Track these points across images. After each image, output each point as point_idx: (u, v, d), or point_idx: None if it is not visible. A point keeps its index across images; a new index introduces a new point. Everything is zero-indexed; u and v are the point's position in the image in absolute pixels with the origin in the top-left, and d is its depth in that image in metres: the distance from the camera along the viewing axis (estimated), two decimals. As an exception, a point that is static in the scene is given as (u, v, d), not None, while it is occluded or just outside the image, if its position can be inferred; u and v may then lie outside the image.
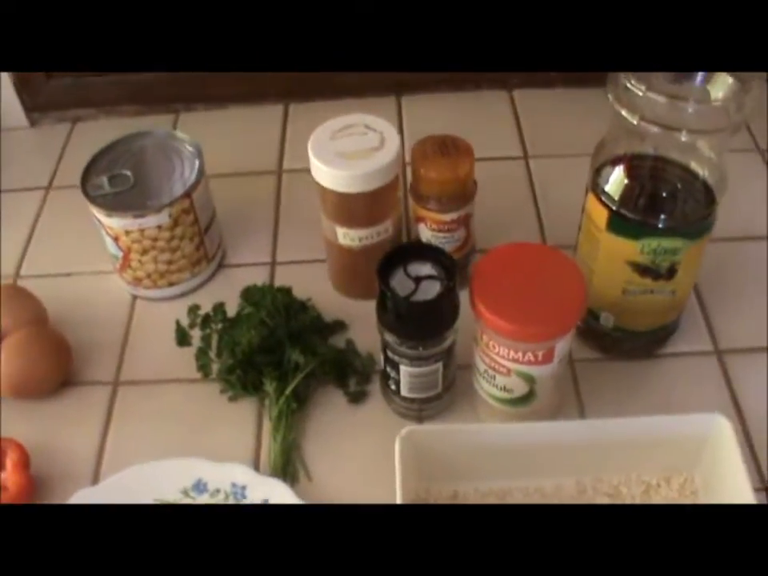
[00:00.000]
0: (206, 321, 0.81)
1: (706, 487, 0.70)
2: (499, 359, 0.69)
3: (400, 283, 0.68)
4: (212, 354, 0.80)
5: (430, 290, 0.68)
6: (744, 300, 0.86)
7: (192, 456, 0.73)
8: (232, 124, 1.06)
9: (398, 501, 0.63)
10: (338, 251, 0.82)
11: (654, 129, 0.65)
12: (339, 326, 0.83)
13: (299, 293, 0.83)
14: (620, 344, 0.80)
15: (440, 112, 0.97)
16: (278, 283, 0.85)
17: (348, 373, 0.79)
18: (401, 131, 1.01)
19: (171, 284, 0.86)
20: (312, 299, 0.83)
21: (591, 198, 0.72)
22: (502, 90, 1.08)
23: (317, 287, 0.86)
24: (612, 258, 0.72)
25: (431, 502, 0.70)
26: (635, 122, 0.65)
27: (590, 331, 0.80)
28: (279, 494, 0.71)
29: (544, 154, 1.00)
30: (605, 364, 0.81)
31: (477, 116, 1.02)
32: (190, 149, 0.86)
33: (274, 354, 0.77)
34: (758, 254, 0.90)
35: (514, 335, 0.66)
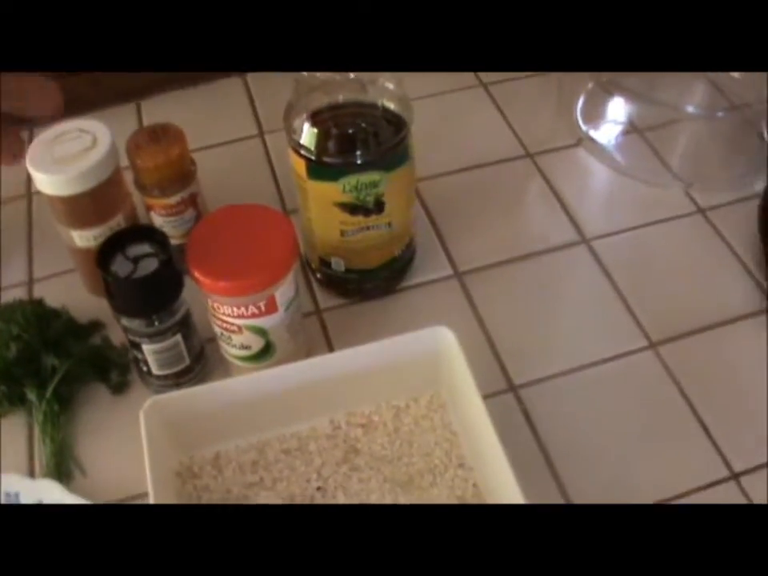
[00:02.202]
0: (-41, 347, 0.82)
1: (452, 400, 0.74)
2: (227, 318, 0.72)
3: (120, 266, 0.71)
4: (-29, 378, 0.81)
5: (150, 267, 0.71)
6: (477, 223, 0.92)
7: (-36, 479, 0.74)
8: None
9: (147, 473, 0.65)
10: (80, 254, 0.83)
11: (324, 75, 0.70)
12: (95, 326, 0.85)
13: (56, 303, 0.85)
14: (359, 285, 0.84)
15: (179, 108, 1.00)
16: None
17: (108, 367, 0.81)
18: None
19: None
20: (66, 305, 0.85)
21: (292, 154, 0.76)
22: (237, 77, 1.11)
23: (73, 294, 0.87)
24: (321, 204, 0.76)
25: (195, 468, 0.72)
26: (306, 75, 0.70)
27: (329, 279, 0.84)
28: (54, 494, 0.73)
29: (277, 129, 1.03)
30: (351, 308, 0.85)
31: (214, 107, 1.05)
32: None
33: (32, 364, 0.79)
34: (486, 179, 0.96)
35: (229, 291, 0.69)
